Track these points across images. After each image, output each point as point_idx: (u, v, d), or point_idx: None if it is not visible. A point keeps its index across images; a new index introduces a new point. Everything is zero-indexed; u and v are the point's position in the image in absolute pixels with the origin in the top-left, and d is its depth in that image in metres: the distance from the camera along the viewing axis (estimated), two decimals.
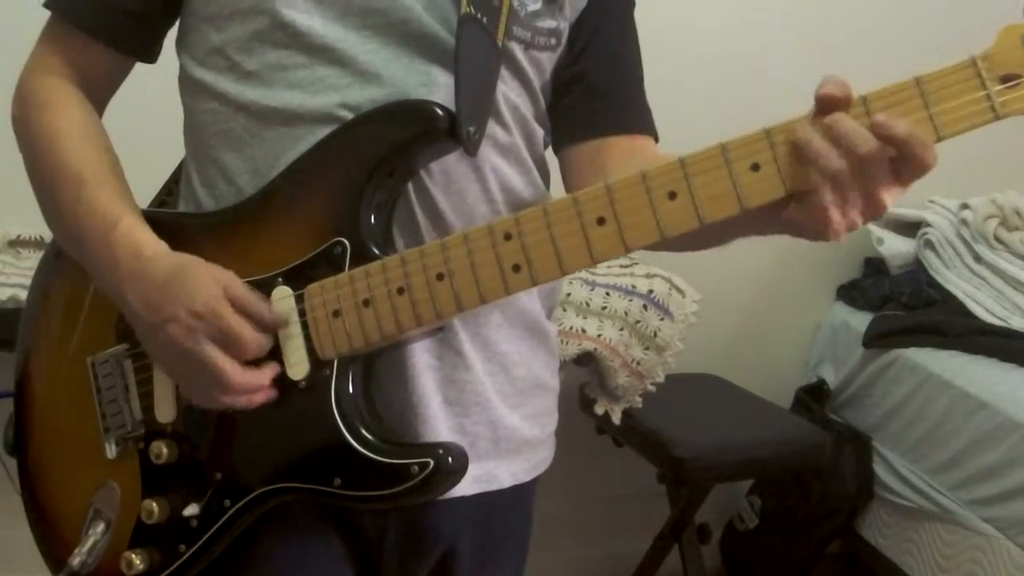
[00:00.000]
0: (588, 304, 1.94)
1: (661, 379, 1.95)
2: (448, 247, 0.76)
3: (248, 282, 0.82)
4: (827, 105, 0.68)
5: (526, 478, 0.98)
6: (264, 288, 0.82)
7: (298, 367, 0.81)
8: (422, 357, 0.88)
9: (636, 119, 0.99)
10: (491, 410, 0.93)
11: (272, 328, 0.81)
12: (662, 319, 1.92)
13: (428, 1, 0.85)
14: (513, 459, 0.96)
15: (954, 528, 2.11)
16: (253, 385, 0.80)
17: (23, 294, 1.64)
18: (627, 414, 1.98)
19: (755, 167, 0.69)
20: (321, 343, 0.80)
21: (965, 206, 2.48)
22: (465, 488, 0.89)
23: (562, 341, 1.87)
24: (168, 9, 0.92)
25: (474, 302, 0.76)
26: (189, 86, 0.92)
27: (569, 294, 1.94)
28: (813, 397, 2.53)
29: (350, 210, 0.81)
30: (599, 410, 1.98)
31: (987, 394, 2.09)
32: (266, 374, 0.81)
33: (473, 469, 0.88)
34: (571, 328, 1.90)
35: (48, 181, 0.88)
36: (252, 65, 0.86)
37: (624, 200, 0.72)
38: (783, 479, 2.43)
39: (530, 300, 0.97)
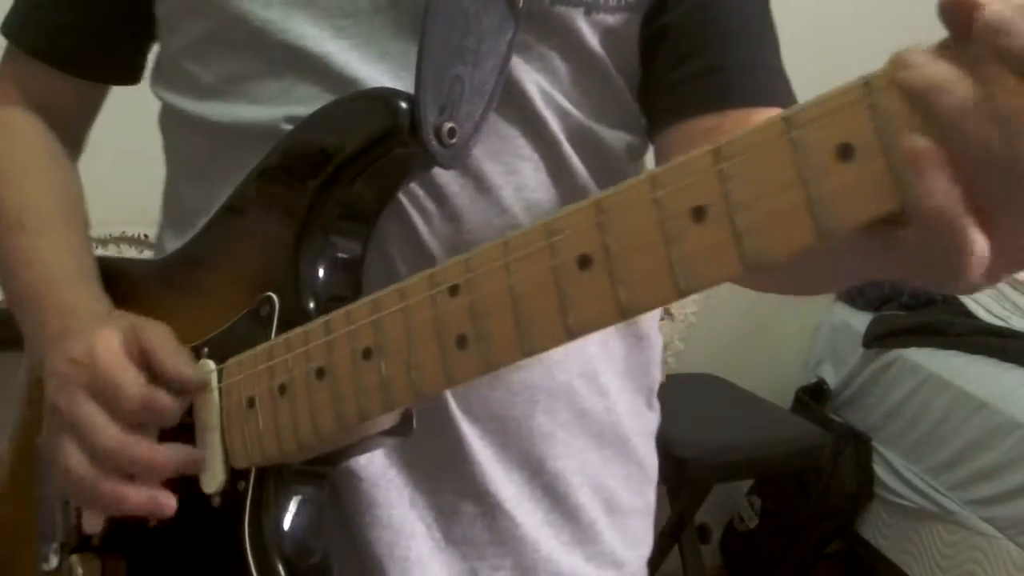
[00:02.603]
0: None
1: (661, 379, 1.95)
2: (380, 306, 0.51)
3: None
4: (960, 19, 0.34)
5: None
6: None
7: (212, 476, 0.59)
8: (397, 476, 0.65)
9: (741, 85, 0.65)
10: (525, 552, 0.68)
11: (185, 388, 0.59)
12: (662, 318, 1.92)
13: None
14: None
15: (954, 528, 2.10)
16: (137, 456, 0.57)
17: None
18: None
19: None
20: (232, 445, 0.58)
21: None
22: None
23: None
24: (130, 20, 0.74)
25: (405, 397, 0.50)
26: (161, 107, 0.76)
27: None
28: (813, 397, 2.53)
29: (285, 255, 0.60)
30: None
31: (987, 394, 2.09)
32: (168, 451, 0.58)
33: None
34: None
35: None
36: (209, 77, 0.68)
37: (623, 222, 0.42)
38: (783, 479, 2.43)
39: (594, 395, 0.71)
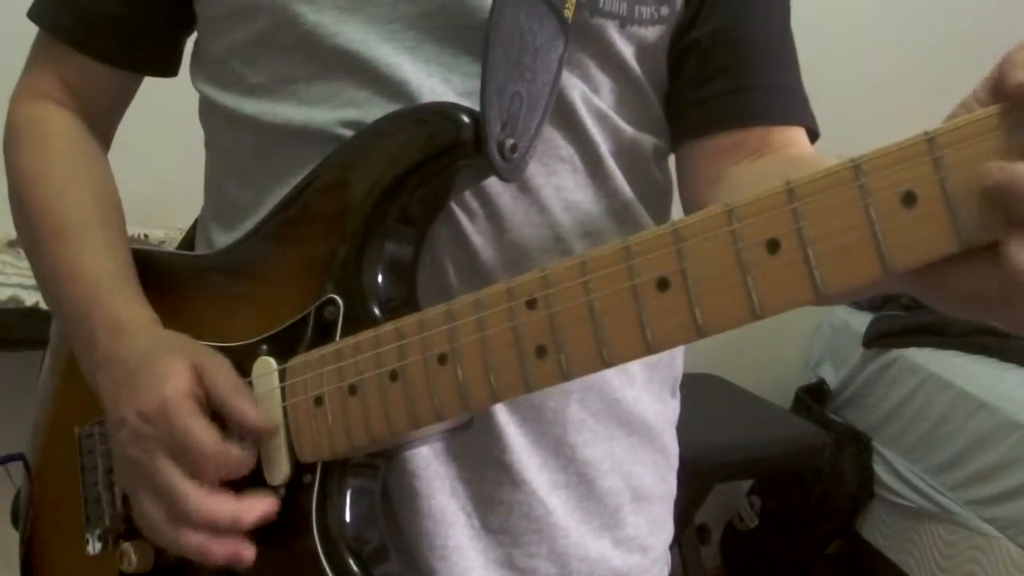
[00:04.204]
0: None
1: None
2: (455, 315, 0.54)
3: (229, 348, 0.65)
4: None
5: None
6: (246, 358, 0.64)
7: (277, 469, 0.61)
8: (440, 467, 0.67)
9: (766, 104, 0.68)
10: (557, 538, 0.70)
11: (257, 434, 0.61)
12: None
13: None
14: None
15: (954, 528, 2.10)
16: (221, 518, 0.58)
17: (23, 294, 1.63)
18: None
19: (908, 198, 0.40)
20: (300, 441, 0.61)
21: None
22: None
23: None
24: (172, 14, 0.75)
25: (483, 399, 0.54)
26: (200, 100, 0.77)
27: None
28: (813, 397, 2.53)
29: (349, 259, 0.62)
30: None
31: (987, 394, 2.09)
32: (250, 507, 0.59)
33: None
34: None
35: (27, 231, 0.75)
36: (257, 77, 0.69)
37: (700, 250, 0.46)
38: (783, 479, 2.43)
39: (624, 385, 0.73)
